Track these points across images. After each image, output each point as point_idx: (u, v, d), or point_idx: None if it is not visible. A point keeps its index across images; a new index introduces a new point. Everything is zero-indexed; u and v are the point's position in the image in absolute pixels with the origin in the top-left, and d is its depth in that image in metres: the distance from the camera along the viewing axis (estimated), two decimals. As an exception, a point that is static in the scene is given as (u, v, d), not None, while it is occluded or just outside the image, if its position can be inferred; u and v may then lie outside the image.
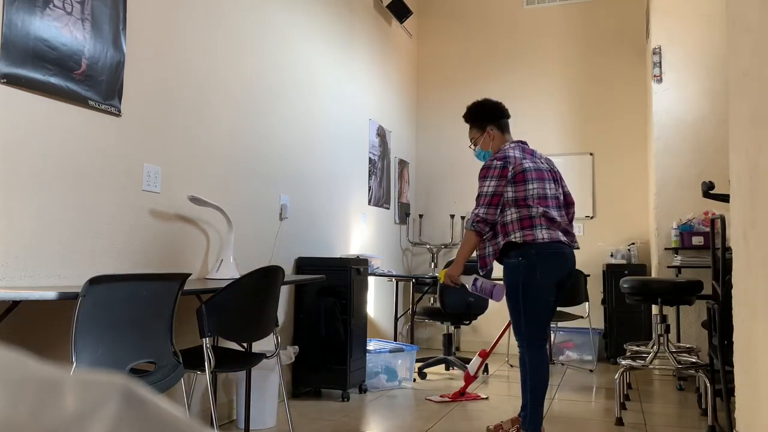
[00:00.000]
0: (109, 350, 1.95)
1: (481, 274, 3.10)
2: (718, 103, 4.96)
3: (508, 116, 3.25)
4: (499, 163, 2.98)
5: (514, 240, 2.89)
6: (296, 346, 3.75)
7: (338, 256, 4.78)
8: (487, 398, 4.04)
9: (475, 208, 2.99)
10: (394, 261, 6.06)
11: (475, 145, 3.26)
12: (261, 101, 3.81)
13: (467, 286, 3.07)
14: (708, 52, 5.02)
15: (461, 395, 4.02)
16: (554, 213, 2.96)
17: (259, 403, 3.25)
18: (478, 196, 2.99)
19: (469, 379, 3.99)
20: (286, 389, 3.97)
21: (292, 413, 3.55)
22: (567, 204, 3.15)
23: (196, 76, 3.23)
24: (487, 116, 3.20)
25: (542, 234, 2.87)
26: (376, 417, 3.56)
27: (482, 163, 3.33)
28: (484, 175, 3.00)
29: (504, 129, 3.21)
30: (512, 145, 3.10)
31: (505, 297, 2.95)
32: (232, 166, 3.51)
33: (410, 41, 6.61)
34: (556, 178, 3.09)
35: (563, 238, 2.94)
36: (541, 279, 2.87)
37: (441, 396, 4.03)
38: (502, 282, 2.98)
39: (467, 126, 3.30)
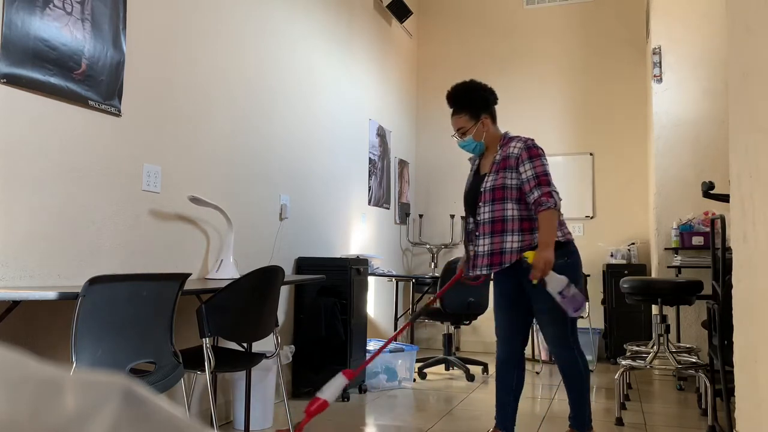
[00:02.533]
0: (109, 350, 1.95)
1: (488, 271, 2.73)
2: (718, 103, 4.96)
3: (497, 102, 2.94)
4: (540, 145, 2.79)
5: (557, 238, 2.66)
6: (292, 346, 3.75)
7: (338, 256, 4.78)
8: None
9: (546, 187, 2.66)
10: (394, 261, 6.06)
11: (463, 135, 2.85)
12: (261, 101, 3.81)
13: (552, 284, 2.56)
14: (708, 52, 5.02)
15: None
16: None
17: (257, 404, 3.25)
18: (543, 175, 2.68)
19: (318, 408, 2.46)
20: (286, 389, 3.96)
21: (292, 413, 3.55)
22: None
23: (196, 77, 3.23)
24: (482, 103, 2.84)
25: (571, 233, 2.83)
26: (376, 417, 3.56)
27: (468, 153, 2.96)
28: (537, 154, 2.71)
29: (495, 118, 2.90)
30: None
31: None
32: (232, 166, 3.52)
33: (410, 41, 6.61)
34: None
35: None
36: (581, 276, 2.77)
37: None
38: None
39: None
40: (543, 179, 2.66)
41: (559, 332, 2.71)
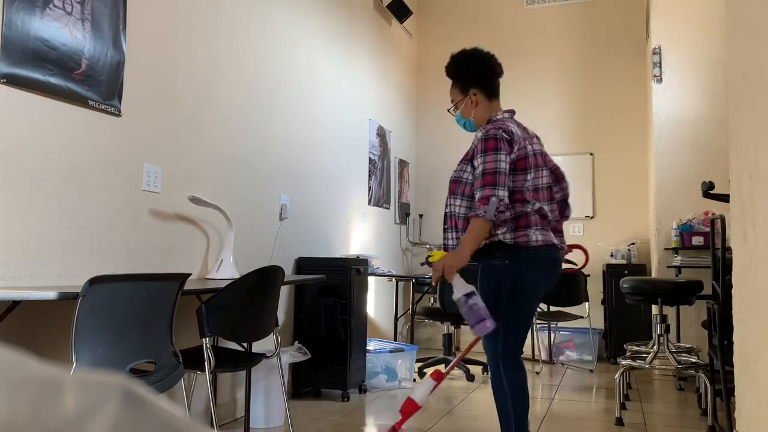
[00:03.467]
0: (109, 350, 1.95)
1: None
2: (718, 103, 4.96)
3: (499, 75, 2.54)
4: (506, 136, 2.34)
5: (503, 240, 2.34)
6: (297, 343, 3.74)
7: (338, 256, 4.78)
8: None
9: (488, 189, 2.28)
10: (394, 261, 6.06)
11: (456, 109, 2.59)
12: (261, 101, 3.81)
13: (457, 292, 2.29)
14: (708, 52, 5.02)
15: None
16: (547, 208, 2.42)
17: (267, 402, 3.25)
18: (490, 173, 2.29)
19: (411, 408, 2.43)
20: (286, 389, 3.96)
21: (291, 413, 3.55)
22: (558, 179, 2.52)
23: (196, 76, 3.23)
24: (472, 75, 2.51)
25: (536, 236, 2.35)
26: (376, 417, 3.56)
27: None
28: (492, 147, 2.31)
29: (492, 94, 2.53)
30: (506, 115, 2.50)
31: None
32: (233, 166, 3.52)
33: (410, 41, 6.61)
34: (546, 161, 2.50)
35: (555, 240, 2.42)
36: (529, 288, 2.36)
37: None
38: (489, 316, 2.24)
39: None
40: (487, 179, 2.30)
41: (489, 342, 2.39)
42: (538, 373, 5.02)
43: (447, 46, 6.68)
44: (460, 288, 2.28)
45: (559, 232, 2.48)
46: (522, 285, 2.35)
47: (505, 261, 2.36)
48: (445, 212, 2.51)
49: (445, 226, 2.51)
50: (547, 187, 2.46)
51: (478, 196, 2.31)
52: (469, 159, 2.43)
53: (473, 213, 2.29)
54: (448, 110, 2.68)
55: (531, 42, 6.38)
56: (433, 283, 2.36)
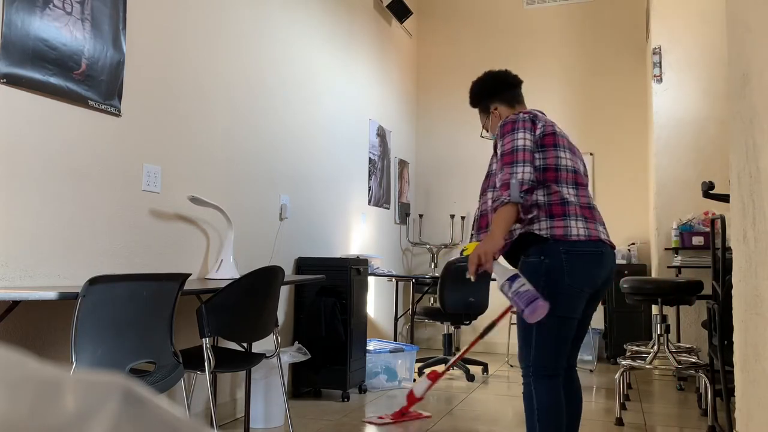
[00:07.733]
0: (109, 350, 1.95)
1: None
2: (718, 103, 4.96)
3: (516, 84, 2.49)
4: (526, 116, 2.23)
5: (537, 232, 2.12)
6: (298, 343, 3.75)
7: (338, 256, 4.78)
8: (430, 416, 3.56)
9: (506, 170, 2.13)
10: (394, 261, 6.06)
11: (487, 131, 2.55)
12: (261, 101, 3.81)
13: (499, 279, 2.07)
14: (708, 52, 5.02)
15: (402, 415, 3.50)
16: (589, 198, 2.24)
17: (267, 402, 3.25)
18: (508, 153, 2.15)
19: (413, 399, 3.10)
20: (286, 389, 3.97)
21: (291, 413, 3.55)
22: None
23: (196, 76, 3.23)
24: (488, 92, 2.49)
25: (577, 229, 2.11)
26: (376, 417, 3.55)
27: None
28: (510, 129, 2.20)
29: (513, 101, 2.46)
30: (530, 109, 2.37)
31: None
32: (232, 166, 3.52)
33: (410, 41, 6.61)
34: (575, 152, 2.32)
35: (603, 235, 2.18)
36: (567, 288, 2.10)
37: (379, 417, 3.52)
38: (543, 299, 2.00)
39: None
40: (505, 159, 2.16)
41: (520, 348, 2.19)
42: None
43: (447, 46, 6.69)
44: (501, 274, 2.06)
45: (604, 226, 2.24)
46: (563, 284, 2.10)
47: (541, 257, 2.12)
48: (475, 215, 2.35)
49: (472, 231, 2.33)
50: (586, 175, 2.29)
51: (498, 183, 2.16)
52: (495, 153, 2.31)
53: (498, 203, 2.12)
54: (481, 135, 2.65)
55: (531, 42, 6.38)
56: (472, 277, 2.10)
